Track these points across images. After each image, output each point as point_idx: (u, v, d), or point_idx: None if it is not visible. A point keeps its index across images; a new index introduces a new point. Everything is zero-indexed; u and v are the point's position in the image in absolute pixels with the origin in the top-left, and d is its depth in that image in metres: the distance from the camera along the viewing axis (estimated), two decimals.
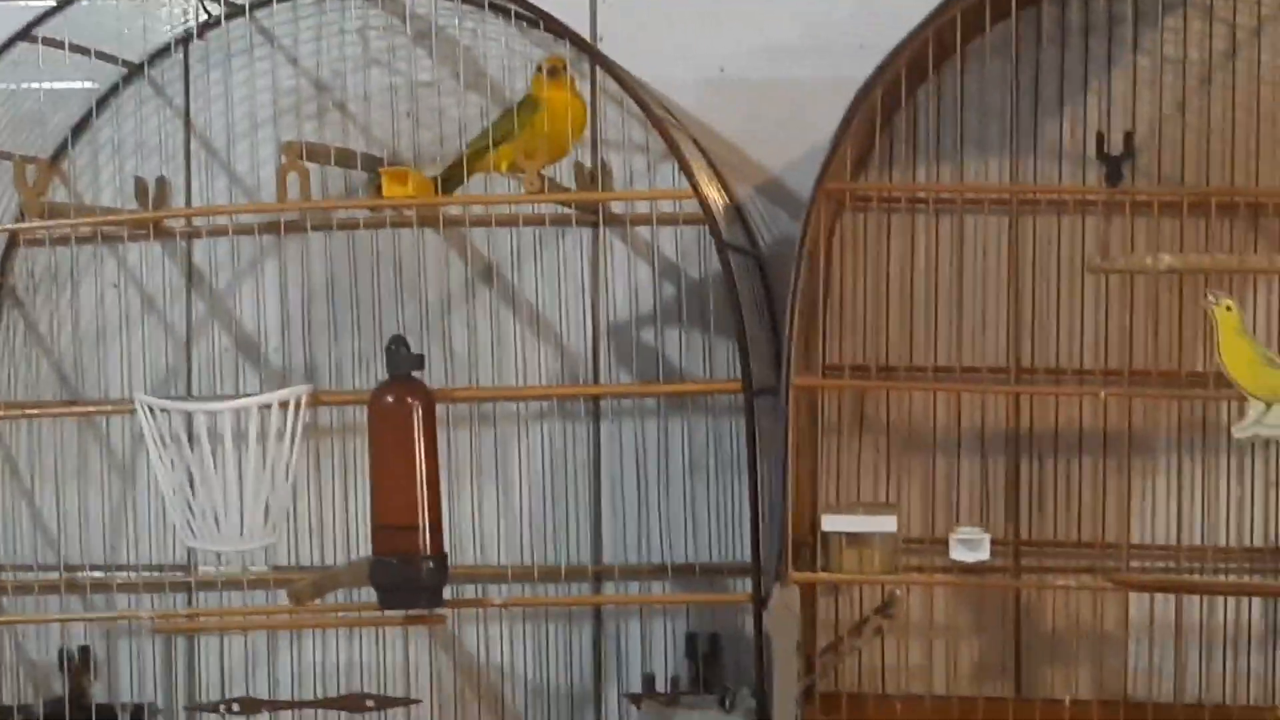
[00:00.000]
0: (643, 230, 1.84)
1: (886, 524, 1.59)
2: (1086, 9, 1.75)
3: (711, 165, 1.80)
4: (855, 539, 1.59)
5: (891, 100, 1.68)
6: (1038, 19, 1.75)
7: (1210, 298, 1.53)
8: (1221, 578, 1.74)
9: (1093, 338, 1.76)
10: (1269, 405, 1.53)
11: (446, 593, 1.66)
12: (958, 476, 1.80)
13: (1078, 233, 1.74)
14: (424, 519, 1.60)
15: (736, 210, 1.80)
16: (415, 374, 1.63)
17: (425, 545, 1.60)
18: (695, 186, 1.66)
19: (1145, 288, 1.72)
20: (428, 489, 1.61)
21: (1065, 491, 1.79)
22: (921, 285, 1.78)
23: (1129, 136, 1.61)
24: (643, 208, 1.81)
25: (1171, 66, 1.76)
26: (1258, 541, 1.76)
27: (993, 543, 1.66)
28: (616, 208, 1.82)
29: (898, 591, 1.66)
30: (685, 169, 1.67)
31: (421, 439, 1.61)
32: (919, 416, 1.80)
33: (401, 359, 1.62)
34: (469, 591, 1.80)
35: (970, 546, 1.56)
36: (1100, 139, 1.60)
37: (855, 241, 1.78)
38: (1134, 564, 1.75)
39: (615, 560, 1.85)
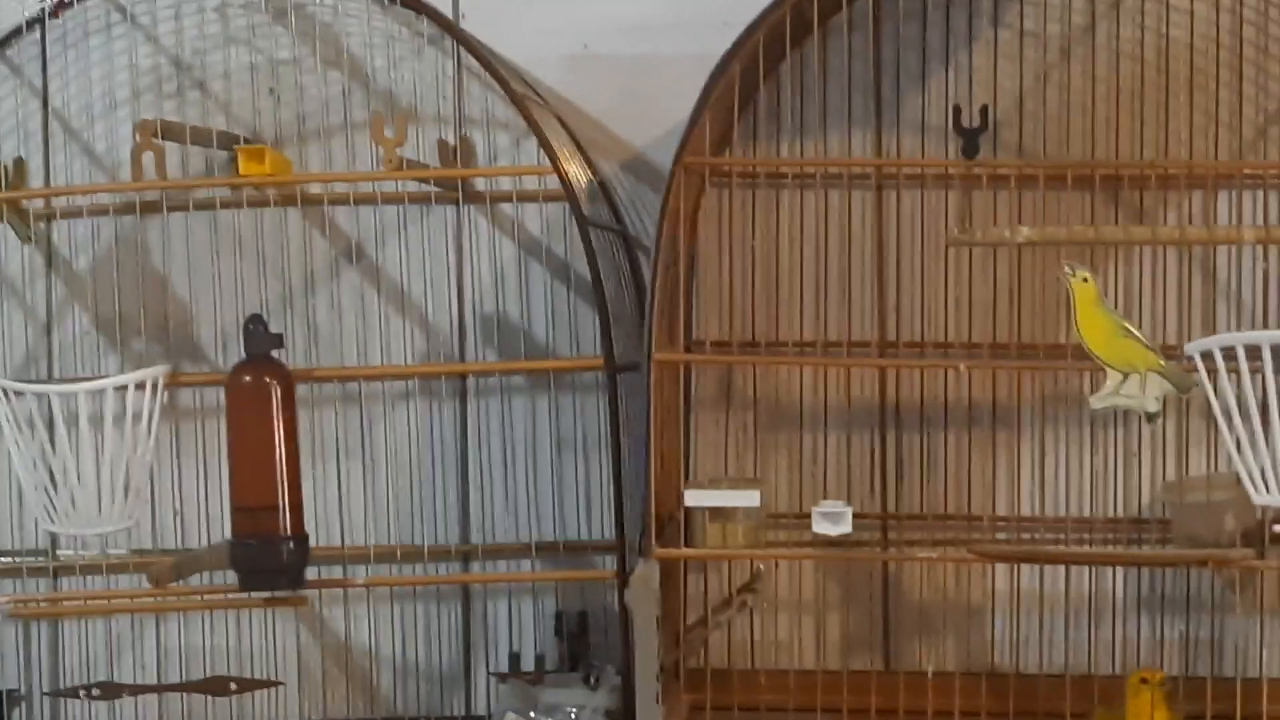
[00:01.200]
0: (507, 208, 1.83)
1: (749, 499, 1.58)
2: None
3: (576, 142, 1.79)
4: (719, 514, 1.59)
5: (754, 76, 1.67)
6: None
7: (1067, 269, 1.54)
8: (1083, 548, 1.74)
9: (955, 311, 1.76)
10: (1125, 376, 1.54)
11: (310, 573, 1.65)
12: (825, 451, 1.80)
13: (940, 206, 1.75)
14: (284, 500, 1.59)
15: (601, 187, 1.79)
16: (274, 354, 1.62)
17: (285, 526, 1.59)
18: (555, 163, 1.65)
19: (1008, 261, 1.73)
20: (287, 469, 1.60)
21: (931, 465, 1.80)
22: (787, 260, 1.78)
23: (985, 110, 1.61)
24: (505, 185, 1.80)
25: (1032, 40, 1.76)
26: (1118, 512, 1.76)
27: (860, 516, 1.67)
28: (479, 185, 1.81)
29: (761, 566, 1.66)
30: (545, 146, 1.66)
31: (280, 419, 1.60)
32: (786, 392, 1.81)
33: (259, 339, 1.61)
34: (334, 572, 1.79)
35: (833, 520, 1.57)
36: (957, 112, 1.61)
37: (720, 217, 1.77)
38: (999, 535, 1.76)
39: (483, 539, 1.84)
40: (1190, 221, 1.75)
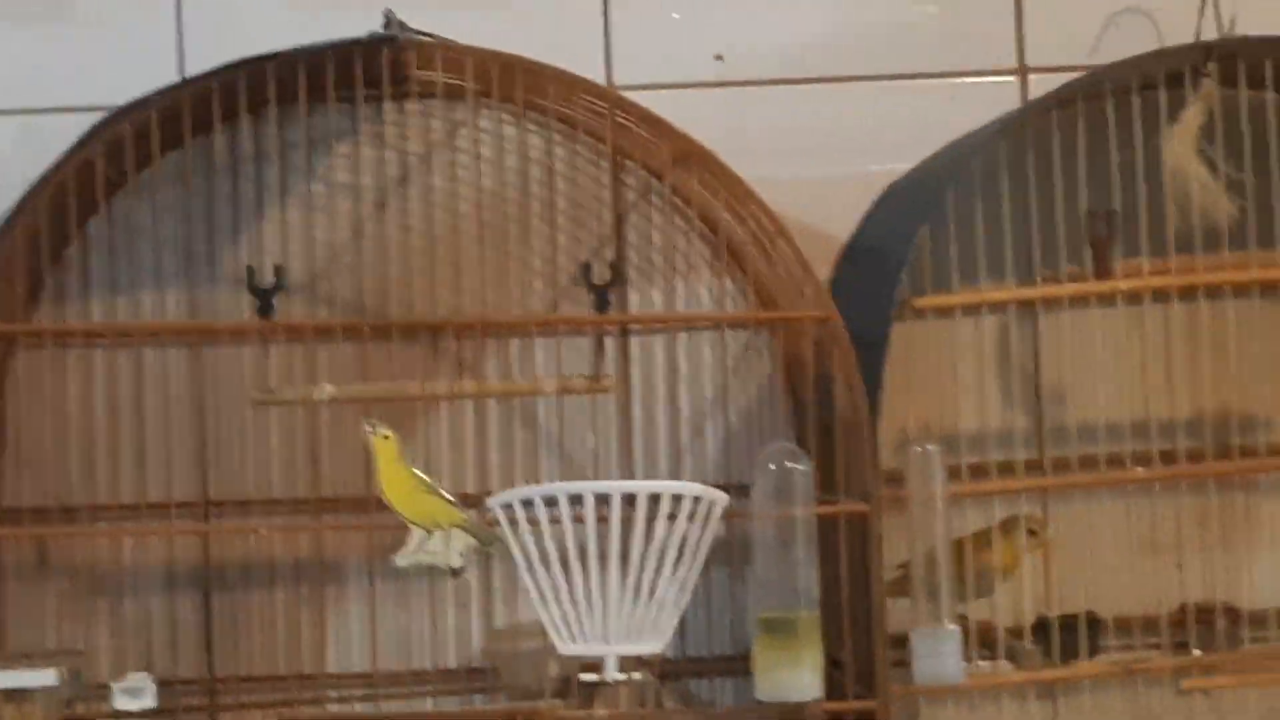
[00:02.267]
0: None
1: (45, 677, 1.52)
2: (257, 137, 1.73)
3: None
4: (14, 695, 1.52)
5: (63, 232, 1.62)
6: (209, 147, 1.72)
7: (368, 427, 1.53)
8: (422, 703, 1.73)
9: (281, 467, 1.73)
10: (430, 532, 1.54)
11: None
12: (150, 616, 1.74)
13: (259, 363, 1.72)
14: None
15: None
16: None
17: None
18: None
19: (333, 415, 1.71)
20: None
21: (261, 624, 1.76)
22: (105, 421, 1.72)
23: (280, 269, 1.59)
24: None
25: (347, 192, 1.76)
26: (452, 663, 1.76)
27: (187, 682, 1.62)
28: None
29: None
30: None
31: None
32: (107, 557, 1.74)
33: None
34: None
35: (132, 694, 1.51)
36: (251, 272, 1.58)
37: (32, 379, 1.71)
38: (331, 693, 1.73)
39: None
40: (509, 371, 1.76)
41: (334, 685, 1.74)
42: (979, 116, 1.76)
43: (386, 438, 1.52)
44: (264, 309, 1.56)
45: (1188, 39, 1.70)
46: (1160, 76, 1.65)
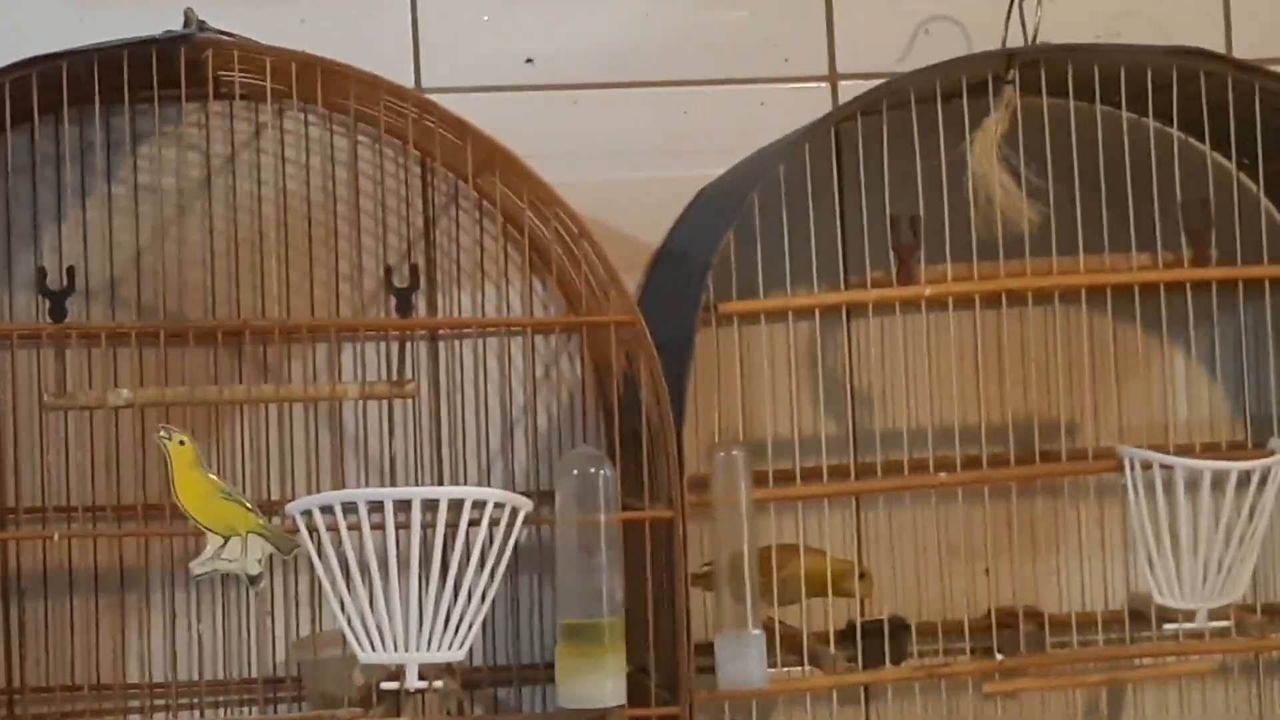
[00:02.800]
0: None
1: None
2: (56, 137, 1.70)
3: None
4: None
5: None
6: (3, 150, 1.68)
7: (163, 433, 1.50)
8: (223, 712, 1.71)
9: (77, 473, 1.70)
10: (226, 539, 1.51)
11: None
12: None
13: (54, 368, 1.68)
14: None
15: None
16: None
17: None
18: None
19: (130, 421, 1.68)
20: None
21: (58, 634, 1.72)
22: None
23: (72, 270, 1.56)
24: None
25: (149, 194, 1.73)
26: (253, 672, 1.73)
27: None
28: None
29: None
30: None
31: None
32: None
33: None
34: None
35: None
36: (42, 273, 1.55)
37: None
38: (131, 704, 1.70)
39: None
40: (315, 375, 1.74)
41: (134, 695, 1.70)
42: (790, 122, 1.76)
43: (182, 443, 1.49)
44: (57, 312, 1.52)
45: (997, 45, 1.71)
46: (964, 84, 1.66)
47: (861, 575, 1.69)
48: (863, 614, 1.74)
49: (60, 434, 1.69)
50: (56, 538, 1.58)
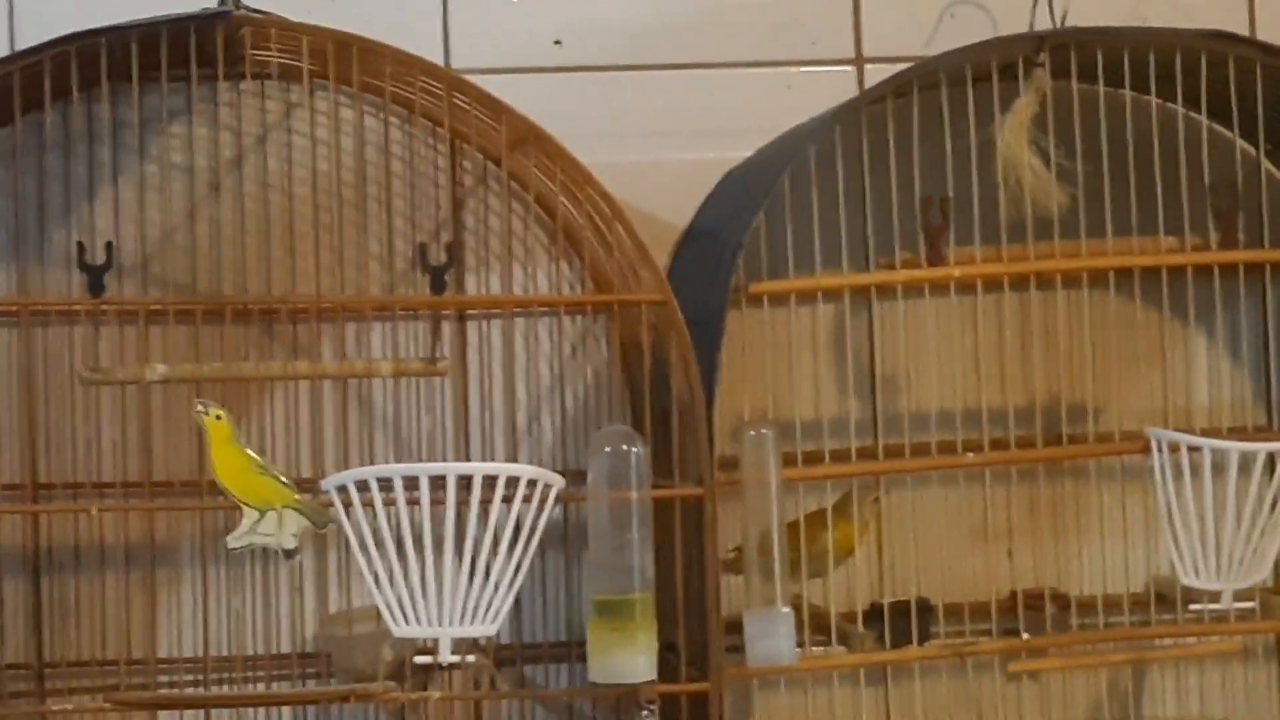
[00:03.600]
0: None
1: None
2: (90, 115, 1.71)
3: None
4: None
5: None
6: (40, 124, 1.69)
7: (200, 407, 1.51)
8: (254, 687, 1.71)
9: (111, 449, 1.71)
10: (262, 513, 1.52)
11: None
12: None
13: (90, 343, 1.69)
14: None
15: None
16: None
17: None
18: None
19: (166, 396, 1.69)
20: None
21: (91, 609, 1.73)
22: None
23: (110, 246, 1.57)
24: None
25: (180, 173, 1.74)
26: (284, 648, 1.74)
27: (15, 667, 1.59)
28: None
29: None
30: None
31: None
32: None
33: None
34: None
35: None
36: (81, 248, 1.56)
37: None
38: (162, 679, 1.71)
39: None
40: (345, 353, 1.75)
41: (165, 670, 1.72)
42: (816, 105, 1.77)
43: (219, 418, 1.51)
44: (95, 287, 1.54)
45: (1022, 29, 1.72)
46: (994, 66, 1.67)
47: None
48: (887, 595, 1.75)
49: (94, 409, 1.70)
50: (94, 512, 1.58)
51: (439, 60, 1.81)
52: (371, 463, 1.73)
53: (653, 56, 1.85)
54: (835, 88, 1.84)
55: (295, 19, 1.65)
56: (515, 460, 1.77)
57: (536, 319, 1.78)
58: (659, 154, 1.84)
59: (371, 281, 1.76)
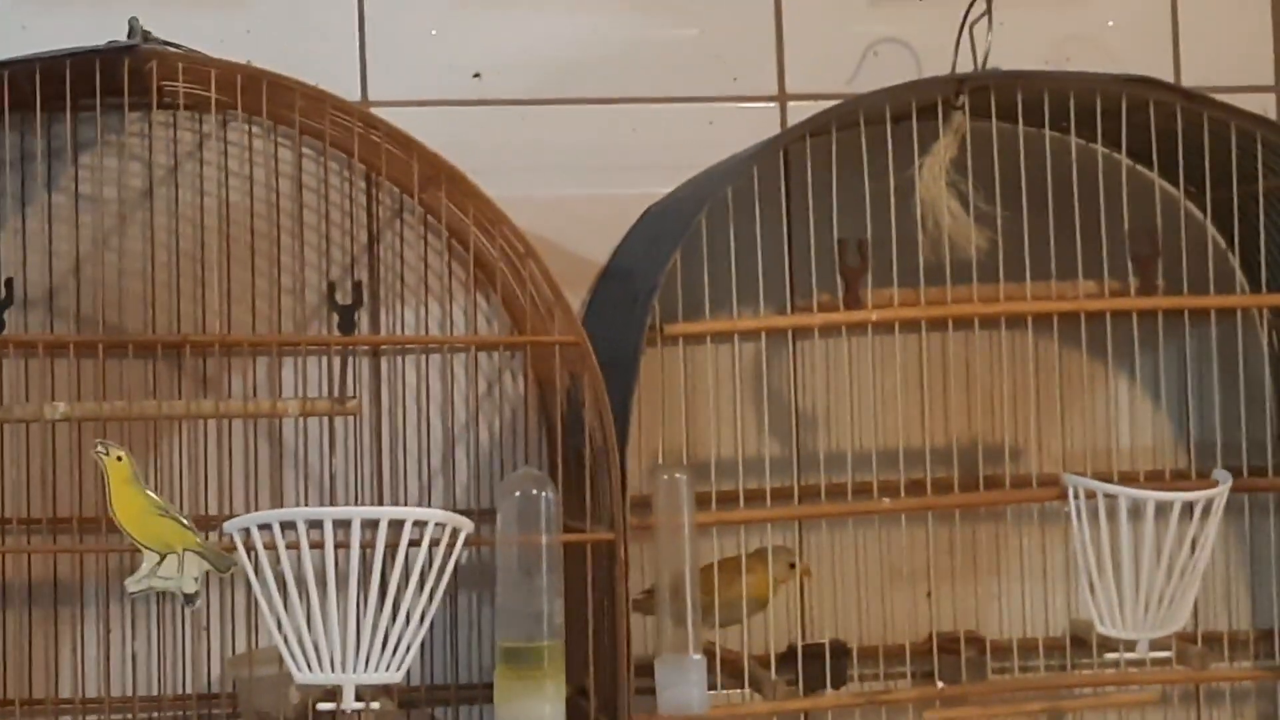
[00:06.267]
0: None
1: None
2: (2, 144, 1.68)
3: None
4: None
5: None
6: None
7: (100, 448, 1.49)
8: None
9: (12, 486, 1.68)
10: (163, 556, 1.49)
11: None
12: None
13: None
14: None
15: None
16: None
17: None
18: None
19: (67, 432, 1.66)
20: None
21: None
22: None
23: (10, 282, 1.55)
24: None
25: (90, 204, 1.71)
26: (188, 688, 1.71)
27: None
28: None
29: None
30: None
31: None
32: None
33: None
34: None
35: None
36: None
37: None
38: (64, 719, 1.68)
39: None
40: (255, 389, 1.73)
41: (66, 710, 1.69)
42: (739, 141, 1.75)
43: (120, 459, 1.48)
44: None
45: (945, 68, 1.71)
46: (913, 107, 1.66)
47: (791, 565, 1.68)
48: (803, 637, 1.73)
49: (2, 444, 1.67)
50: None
51: (355, 91, 1.79)
52: (281, 501, 1.71)
53: (573, 90, 1.83)
54: (758, 124, 1.82)
55: (210, 48, 1.63)
56: (429, 499, 1.75)
57: (451, 355, 1.75)
58: (579, 189, 1.83)
59: (284, 315, 1.73)
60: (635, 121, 1.85)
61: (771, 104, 1.86)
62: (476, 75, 1.83)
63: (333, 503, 1.71)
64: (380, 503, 1.73)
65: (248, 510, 1.63)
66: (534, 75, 1.83)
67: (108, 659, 1.69)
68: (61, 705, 1.69)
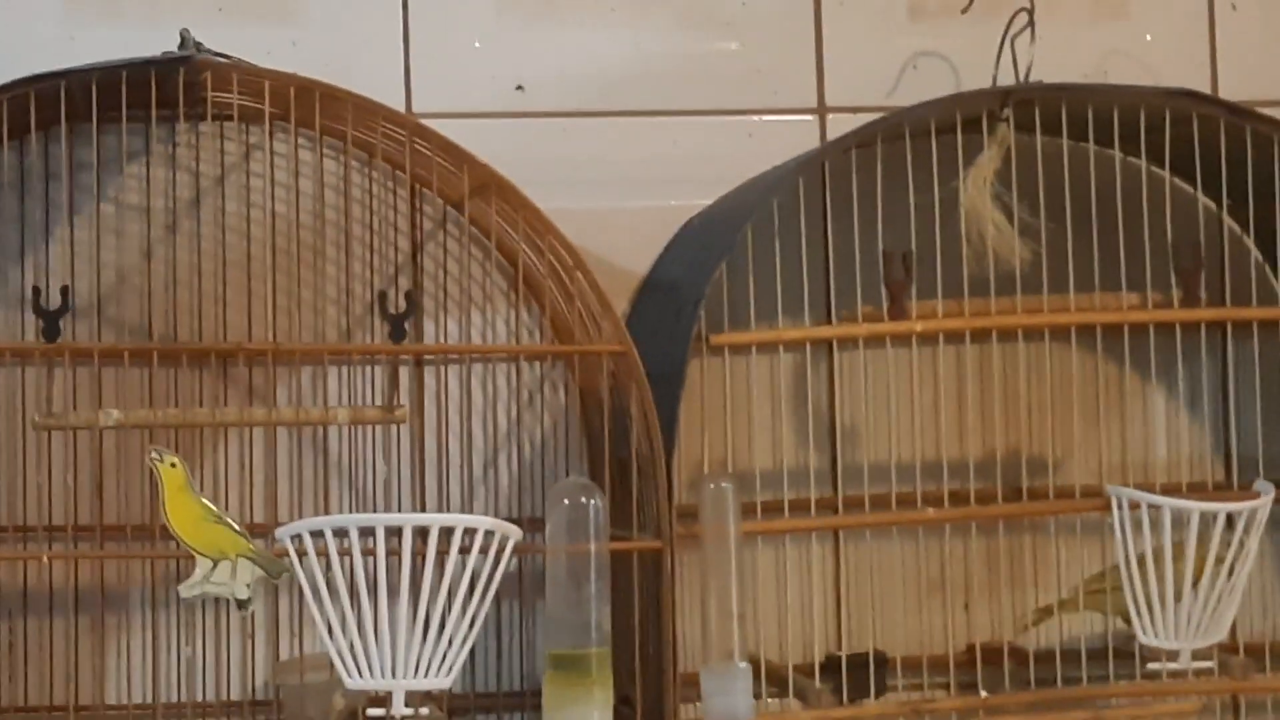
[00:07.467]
0: None
1: None
2: (47, 155, 1.69)
3: None
4: None
5: None
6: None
7: (154, 455, 1.49)
8: None
9: (63, 493, 1.68)
10: (216, 563, 1.50)
11: None
12: None
13: (43, 387, 1.66)
14: None
15: None
16: None
17: None
18: None
19: (119, 442, 1.67)
20: None
21: (38, 654, 1.71)
22: None
23: (66, 290, 1.55)
24: None
25: (136, 214, 1.72)
26: (234, 694, 1.72)
27: None
28: None
29: None
30: None
31: None
32: None
33: None
34: None
35: None
36: (36, 293, 1.54)
37: None
38: None
39: None
40: (300, 399, 1.73)
41: (114, 717, 1.69)
42: (778, 154, 1.77)
43: (174, 465, 1.49)
44: (49, 331, 1.52)
45: (984, 83, 1.72)
46: (958, 120, 1.67)
47: None
48: (843, 647, 1.74)
49: (45, 454, 1.67)
50: (45, 559, 1.55)
51: (400, 104, 1.80)
52: (327, 509, 1.72)
53: (614, 103, 1.84)
54: (797, 137, 1.83)
55: (257, 61, 1.64)
56: (472, 508, 1.75)
57: (493, 365, 1.76)
58: (619, 201, 1.83)
59: (329, 325, 1.74)
60: (675, 134, 1.86)
61: (811, 117, 1.87)
62: (519, 88, 1.84)
63: (377, 511, 1.71)
64: (423, 510, 1.74)
65: (293, 519, 1.63)
66: (575, 88, 1.84)
67: (156, 665, 1.70)
68: (110, 711, 1.69)
